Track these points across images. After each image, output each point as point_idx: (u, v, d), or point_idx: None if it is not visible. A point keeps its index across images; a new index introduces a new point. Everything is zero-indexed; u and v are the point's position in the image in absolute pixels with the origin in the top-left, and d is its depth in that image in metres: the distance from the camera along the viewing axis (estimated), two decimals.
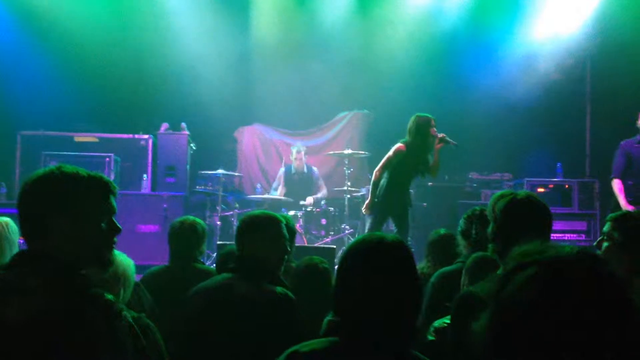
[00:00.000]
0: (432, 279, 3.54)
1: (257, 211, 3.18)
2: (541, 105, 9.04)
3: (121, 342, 1.64)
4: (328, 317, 2.89)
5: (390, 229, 7.38)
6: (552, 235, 2.55)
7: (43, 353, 1.58)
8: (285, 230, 3.06)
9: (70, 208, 1.79)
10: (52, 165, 1.87)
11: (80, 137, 8.40)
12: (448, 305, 2.94)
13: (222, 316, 2.79)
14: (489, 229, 2.50)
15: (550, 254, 1.13)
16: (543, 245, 1.17)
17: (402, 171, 6.34)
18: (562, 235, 7.81)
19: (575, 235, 7.66)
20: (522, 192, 2.55)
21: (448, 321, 2.79)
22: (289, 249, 3.21)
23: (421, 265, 4.15)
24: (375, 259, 1.73)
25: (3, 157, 8.32)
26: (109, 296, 1.69)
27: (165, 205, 8.10)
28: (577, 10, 8.73)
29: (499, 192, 2.65)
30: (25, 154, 8.15)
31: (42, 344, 1.58)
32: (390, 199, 6.33)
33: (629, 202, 6.39)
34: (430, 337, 2.83)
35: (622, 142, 6.74)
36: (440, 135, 6.27)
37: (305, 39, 9.65)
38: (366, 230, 6.52)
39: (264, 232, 2.98)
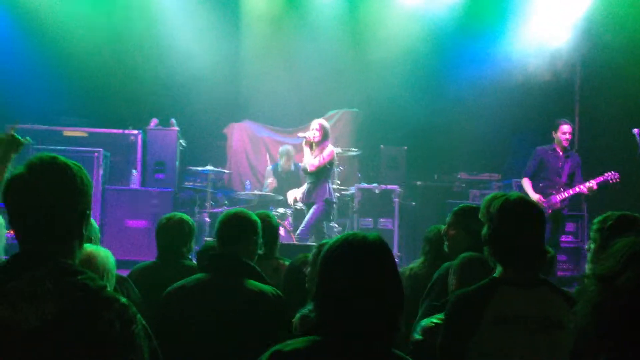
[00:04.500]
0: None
1: (232, 210, 3.20)
2: (530, 107, 9.06)
3: (139, 346, 1.59)
4: (301, 312, 2.89)
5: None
6: None
7: None
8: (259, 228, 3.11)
9: (79, 203, 1.69)
10: (41, 154, 1.69)
11: (69, 132, 8.34)
12: (436, 305, 2.94)
13: (201, 315, 2.77)
14: (484, 231, 2.49)
15: None
16: None
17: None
18: None
19: (564, 236, 7.67)
20: (514, 193, 2.54)
21: (436, 320, 2.77)
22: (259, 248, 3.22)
23: (417, 262, 3.96)
24: (359, 258, 1.71)
25: None
26: (123, 299, 1.63)
27: (154, 201, 8.07)
28: (566, 14, 8.79)
29: (490, 195, 2.65)
30: None
31: (60, 351, 1.52)
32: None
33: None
34: (417, 336, 2.80)
35: (538, 148, 7.16)
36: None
37: (296, 37, 9.65)
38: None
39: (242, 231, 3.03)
